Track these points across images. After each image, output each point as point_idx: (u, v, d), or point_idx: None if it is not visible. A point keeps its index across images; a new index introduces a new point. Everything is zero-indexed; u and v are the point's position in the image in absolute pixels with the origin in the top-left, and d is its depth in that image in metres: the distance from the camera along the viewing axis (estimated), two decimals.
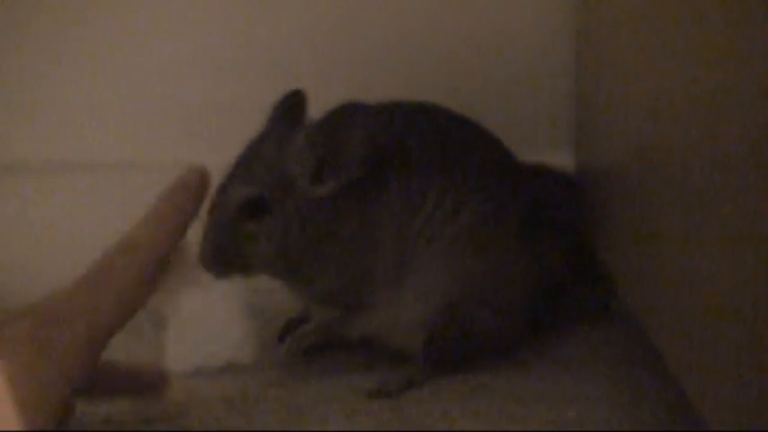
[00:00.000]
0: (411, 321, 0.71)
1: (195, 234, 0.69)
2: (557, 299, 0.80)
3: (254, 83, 0.91)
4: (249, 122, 0.89)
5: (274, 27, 0.91)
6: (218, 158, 0.88)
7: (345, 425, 0.66)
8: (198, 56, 0.92)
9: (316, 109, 0.72)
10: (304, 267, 0.69)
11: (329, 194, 0.68)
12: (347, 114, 0.67)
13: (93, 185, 0.93)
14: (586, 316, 0.82)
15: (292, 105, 0.73)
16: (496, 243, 0.71)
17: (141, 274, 0.56)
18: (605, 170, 0.81)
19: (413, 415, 0.67)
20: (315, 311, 0.76)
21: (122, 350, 0.79)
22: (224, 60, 0.92)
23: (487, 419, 0.66)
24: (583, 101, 0.88)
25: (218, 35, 0.91)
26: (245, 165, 0.70)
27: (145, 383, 0.66)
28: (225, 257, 0.68)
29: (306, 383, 0.72)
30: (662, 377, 0.68)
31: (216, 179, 0.85)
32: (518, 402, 0.68)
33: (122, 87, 0.92)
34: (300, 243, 0.68)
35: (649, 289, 0.68)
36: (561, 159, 0.88)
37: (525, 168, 0.77)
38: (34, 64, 0.92)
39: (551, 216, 0.80)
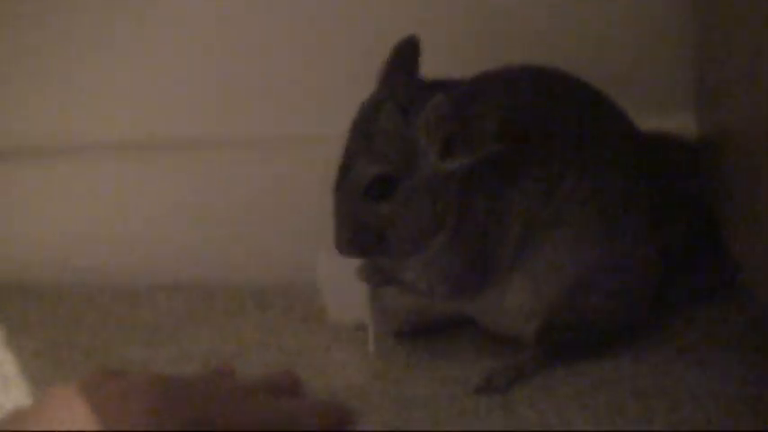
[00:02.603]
0: (524, 305, 0.67)
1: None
2: (677, 277, 0.75)
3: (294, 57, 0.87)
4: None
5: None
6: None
7: (455, 427, 0.62)
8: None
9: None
10: (432, 245, 0.65)
11: (458, 170, 0.64)
12: (481, 86, 0.63)
13: (117, 166, 0.92)
14: (709, 296, 0.76)
15: (406, 57, 0.67)
16: (626, 229, 0.67)
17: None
18: (730, 136, 0.74)
19: (526, 414, 0.63)
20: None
21: (227, 327, 0.79)
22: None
23: (607, 420, 0.61)
24: (705, 58, 0.81)
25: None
26: (366, 136, 0.64)
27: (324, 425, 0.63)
28: (360, 240, 0.65)
29: (411, 375, 0.69)
30: None
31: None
32: (640, 399, 0.63)
33: (186, 61, 0.90)
34: (432, 219, 0.64)
35: None
36: (682, 123, 0.82)
37: (650, 140, 0.72)
38: (65, 47, 0.90)
39: (673, 190, 0.74)
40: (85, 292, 0.90)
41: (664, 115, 0.81)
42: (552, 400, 0.64)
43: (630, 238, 0.67)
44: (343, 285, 0.74)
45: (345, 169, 0.65)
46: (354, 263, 0.69)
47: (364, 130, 0.65)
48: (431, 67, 0.69)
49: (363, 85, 0.69)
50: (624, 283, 0.67)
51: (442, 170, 0.63)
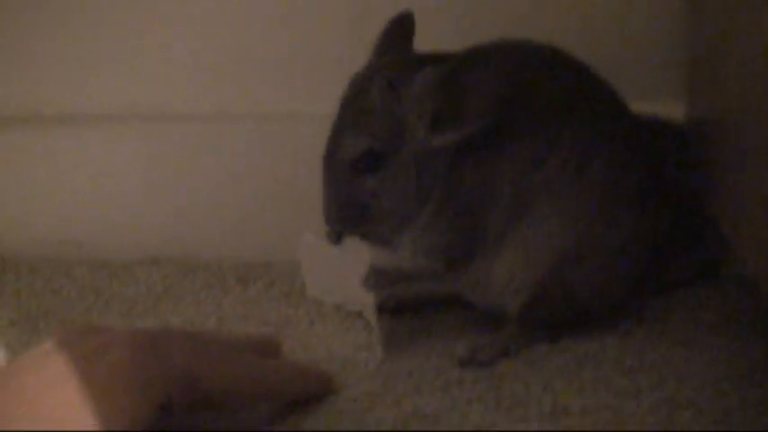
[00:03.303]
0: (513, 275, 0.67)
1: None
2: (665, 260, 0.75)
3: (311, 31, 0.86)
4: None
5: None
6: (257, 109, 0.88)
7: (440, 397, 0.61)
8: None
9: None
10: (420, 218, 0.65)
11: (446, 145, 0.63)
12: (470, 61, 0.62)
13: (145, 137, 0.90)
14: (695, 278, 0.76)
15: (399, 35, 0.67)
16: (614, 206, 0.66)
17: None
18: (720, 121, 0.74)
19: (511, 388, 0.62)
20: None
21: (207, 301, 0.78)
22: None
23: (593, 394, 0.61)
24: (695, 44, 0.81)
25: None
26: (354, 111, 0.64)
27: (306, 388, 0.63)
28: (348, 214, 0.64)
29: (396, 348, 0.69)
30: None
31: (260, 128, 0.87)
32: (625, 376, 0.63)
33: (175, 35, 0.88)
34: (418, 193, 0.64)
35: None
36: (672, 109, 0.81)
37: (641, 121, 0.71)
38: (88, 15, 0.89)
39: (662, 172, 0.73)
40: (64, 265, 0.88)
41: (654, 101, 0.81)
42: (537, 374, 0.64)
43: (619, 213, 0.67)
44: (324, 266, 0.74)
45: (334, 143, 0.65)
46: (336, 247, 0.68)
47: (353, 104, 0.65)
48: (424, 41, 0.68)
49: (352, 64, 0.68)
50: (611, 258, 0.67)
51: (431, 145, 0.63)
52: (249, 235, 0.89)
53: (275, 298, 0.79)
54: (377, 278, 0.69)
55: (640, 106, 0.76)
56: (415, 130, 0.63)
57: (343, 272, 0.70)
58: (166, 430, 0.55)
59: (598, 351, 0.66)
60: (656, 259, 0.73)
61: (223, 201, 0.89)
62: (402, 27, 0.68)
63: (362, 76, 0.66)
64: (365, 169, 0.64)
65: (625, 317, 0.70)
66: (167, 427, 0.55)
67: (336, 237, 0.67)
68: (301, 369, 0.64)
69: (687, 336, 0.68)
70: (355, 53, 0.69)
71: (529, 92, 0.66)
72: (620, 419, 0.58)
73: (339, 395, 0.62)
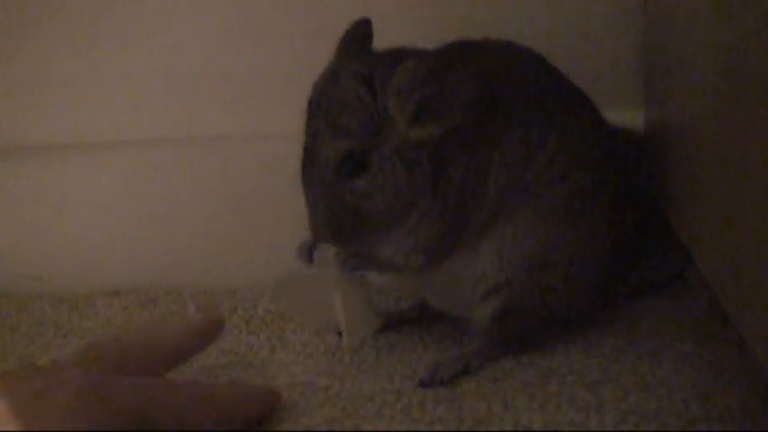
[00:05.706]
0: (487, 275, 0.65)
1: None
2: (629, 269, 0.74)
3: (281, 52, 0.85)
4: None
5: None
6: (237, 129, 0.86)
7: (400, 420, 0.60)
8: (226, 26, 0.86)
9: None
10: (411, 217, 0.62)
11: (428, 138, 0.61)
12: (455, 55, 0.60)
13: (116, 163, 0.89)
14: (659, 287, 0.75)
15: (359, 37, 0.65)
16: (589, 216, 0.66)
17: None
18: (677, 129, 0.74)
19: (473, 407, 0.61)
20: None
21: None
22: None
23: (556, 411, 0.60)
24: (652, 54, 0.80)
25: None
26: (326, 112, 0.61)
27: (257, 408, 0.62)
28: (338, 224, 0.62)
29: (356, 372, 0.67)
30: (746, 354, 0.62)
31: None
32: (589, 389, 0.62)
33: (150, 62, 0.87)
34: (410, 186, 0.61)
35: (726, 257, 0.62)
36: (629, 117, 0.81)
37: (614, 132, 0.71)
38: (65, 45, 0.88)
39: (626, 181, 0.73)
40: (22, 300, 0.86)
41: (613, 109, 0.81)
42: (500, 392, 0.62)
43: (593, 223, 0.66)
44: (307, 293, 0.71)
45: (311, 151, 0.62)
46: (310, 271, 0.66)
47: (324, 106, 0.62)
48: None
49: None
50: (581, 266, 0.66)
51: (411, 138, 0.61)
52: (211, 262, 0.87)
53: (236, 325, 0.77)
54: (346, 257, 0.65)
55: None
56: (395, 123, 0.61)
57: (321, 287, 0.67)
58: None
59: (562, 366, 0.65)
60: (621, 269, 0.72)
61: (185, 228, 0.88)
62: (361, 31, 0.66)
63: (328, 77, 0.63)
64: (350, 172, 0.61)
65: (591, 328, 0.69)
66: None
67: (308, 254, 0.64)
68: (249, 390, 0.63)
69: (653, 346, 0.67)
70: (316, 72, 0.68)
71: (515, 87, 0.64)
72: None
73: (298, 421, 0.61)
